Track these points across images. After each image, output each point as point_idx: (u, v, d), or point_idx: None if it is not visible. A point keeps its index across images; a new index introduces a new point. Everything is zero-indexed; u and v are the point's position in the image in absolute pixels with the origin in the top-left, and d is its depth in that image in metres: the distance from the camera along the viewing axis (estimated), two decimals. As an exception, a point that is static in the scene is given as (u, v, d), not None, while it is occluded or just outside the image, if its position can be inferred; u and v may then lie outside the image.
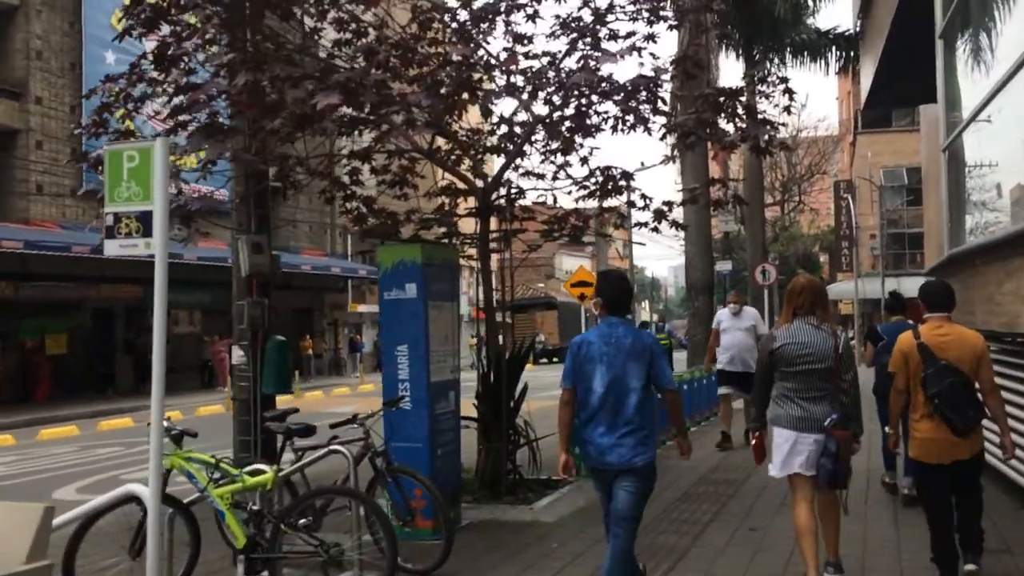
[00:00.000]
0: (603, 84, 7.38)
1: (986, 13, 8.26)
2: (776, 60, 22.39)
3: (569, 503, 7.27)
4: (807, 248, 48.62)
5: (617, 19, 7.64)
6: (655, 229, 9.91)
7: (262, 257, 8.79)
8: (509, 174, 9.51)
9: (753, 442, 5.05)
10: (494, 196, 8.24)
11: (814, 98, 73.97)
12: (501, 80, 7.59)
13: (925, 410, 4.71)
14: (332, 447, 5.39)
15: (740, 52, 21.62)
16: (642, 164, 11.16)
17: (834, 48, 23.92)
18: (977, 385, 4.74)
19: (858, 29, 17.93)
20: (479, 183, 8.21)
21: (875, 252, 38.66)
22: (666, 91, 7.82)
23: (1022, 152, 7.21)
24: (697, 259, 17.76)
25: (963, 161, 9.39)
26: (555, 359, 39.56)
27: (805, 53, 23.86)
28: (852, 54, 22.65)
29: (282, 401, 8.49)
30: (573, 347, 4.48)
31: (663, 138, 7.84)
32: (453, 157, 8.65)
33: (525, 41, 7.68)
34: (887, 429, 5.33)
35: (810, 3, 25.01)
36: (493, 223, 8.35)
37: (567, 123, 8.09)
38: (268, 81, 6.04)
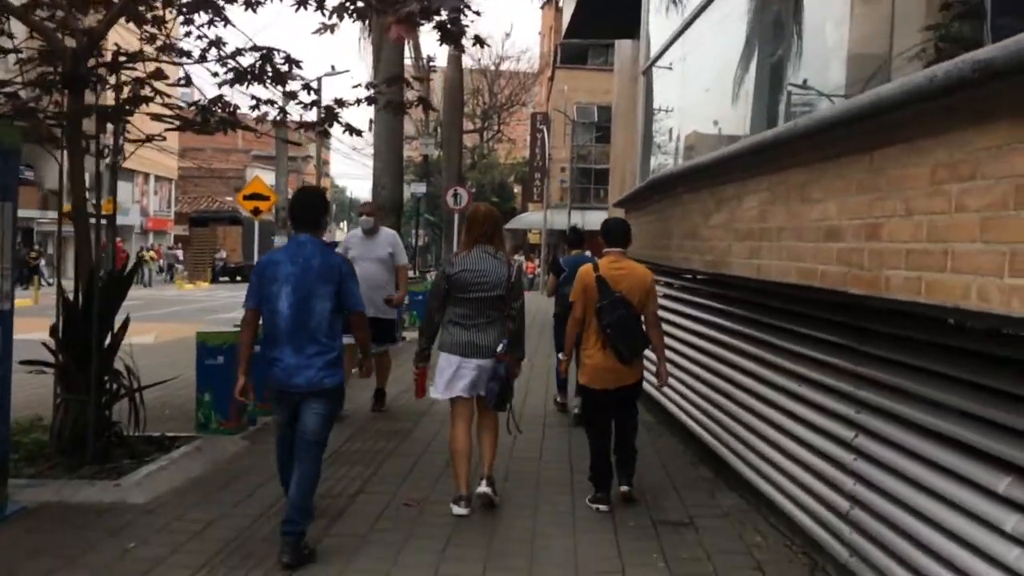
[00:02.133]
0: None
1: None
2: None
3: (177, 473, 5.55)
4: (503, 177, 49.36)
5: None
6: (325, 132, 8.43)
7: None
8: (143, 46, 7.39)
9: (416, 376, 5.07)
10: (92, 63, 6.08)
11: (518, 31, 75.34)
12: None
13: (596, 339, 5.01)
14: None
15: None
16: (332, 68, 9.42)
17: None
18: (642, 317, 5.12)
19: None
20: (71, 43, 6.00)
21: (564, 185, 40.00)
22: None
23: (704, 97, 7.05)
24: (386, 177, 16.37)
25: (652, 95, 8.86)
26: (238, 278, 36.50)
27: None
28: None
29: None
30: (259, 267, 4.39)
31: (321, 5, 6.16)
32: (57, 13, 6.33)
33: None
34: (560, 356, 5.46)
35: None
36: (90, 100, 6.14)
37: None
38: None
